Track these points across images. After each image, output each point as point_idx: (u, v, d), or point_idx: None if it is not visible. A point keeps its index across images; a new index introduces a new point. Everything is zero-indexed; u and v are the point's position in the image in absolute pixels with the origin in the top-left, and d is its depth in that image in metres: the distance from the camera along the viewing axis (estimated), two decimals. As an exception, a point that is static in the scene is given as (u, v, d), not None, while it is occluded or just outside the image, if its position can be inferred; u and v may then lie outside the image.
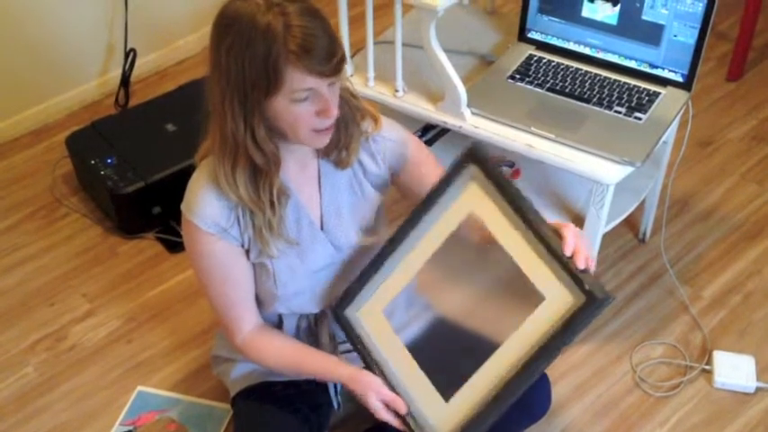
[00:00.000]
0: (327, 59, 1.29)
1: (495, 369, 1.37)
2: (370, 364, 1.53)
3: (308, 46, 1.27)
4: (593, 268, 1.31)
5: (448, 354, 1.49)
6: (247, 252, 1.50)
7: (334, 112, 1.36)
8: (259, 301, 1.60)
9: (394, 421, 1.48)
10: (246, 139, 1.36)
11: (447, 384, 1.44)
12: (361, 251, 1.58)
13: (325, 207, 1.53)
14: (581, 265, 1.28)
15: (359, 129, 1.50)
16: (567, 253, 1.29)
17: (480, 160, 1.40)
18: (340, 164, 1.51)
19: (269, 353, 1.59)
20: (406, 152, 1.57)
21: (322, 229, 1.53)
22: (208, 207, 1.43)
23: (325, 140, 1.41)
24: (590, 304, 1.26)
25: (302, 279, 1.55)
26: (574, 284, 1.28)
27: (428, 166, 1.59)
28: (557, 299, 1.30)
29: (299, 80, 1.30)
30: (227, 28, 1.30)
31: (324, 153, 1.50)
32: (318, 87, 1.32)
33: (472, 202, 1.42)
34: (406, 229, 1.49)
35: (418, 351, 1.50)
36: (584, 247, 1.30)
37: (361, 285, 1.54)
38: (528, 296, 1.33)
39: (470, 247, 1.45)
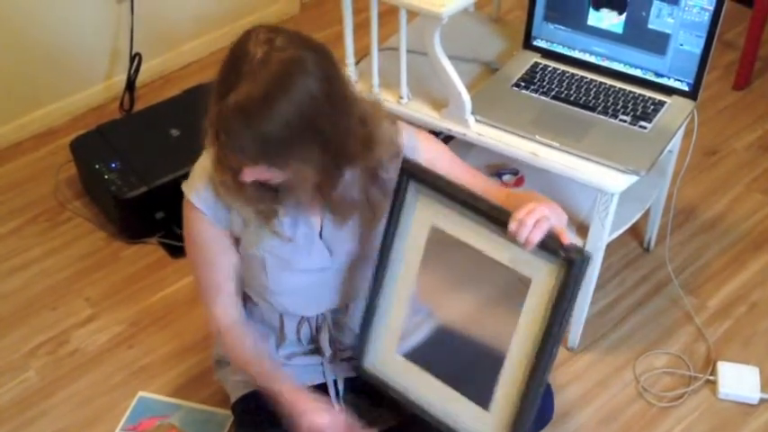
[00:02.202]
0: (239, 151, 1.29)
1: (517, 359, 1.40)
2: (409, 406, 1.54)
3: (224, 136, 1.28)
4: (566, 238, 1.31)
5: (466, 362, 1.51)
6: (239, 241, 1.52)
7: (245, 178, 1.35)
8: (255, 295, 1.60)
9: None
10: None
11: (480, 394, 1.47)
12: (357, 258, 1.57)
13: (326, 216, 1.52)
14: (522, 239, 1.30)
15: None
16: (512, 229, 1.31)
17: (414, 173, 1.44)
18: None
19: (238, 348, 1.60)
20: (416, 157, 1.54)
21: (321, 236, 1.53)
22: (206, 194, 1.46)
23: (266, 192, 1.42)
24: (572, 268, 1.30)
25: (295, 277, 1.54)
26: (549, 256, 1.32)
27: (444, 165, 1.55)
28: (542, 274, 1.33)
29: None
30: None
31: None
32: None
33: (428, 215, 1.45)
34: (381, 270, 1.51)
35: (439, 369, 1.51)
36: (530, 219, 1.30)
37: (366, 335, 1.56)
38: (517, 282, 1.36)
39: (449, 257, 1.47)
